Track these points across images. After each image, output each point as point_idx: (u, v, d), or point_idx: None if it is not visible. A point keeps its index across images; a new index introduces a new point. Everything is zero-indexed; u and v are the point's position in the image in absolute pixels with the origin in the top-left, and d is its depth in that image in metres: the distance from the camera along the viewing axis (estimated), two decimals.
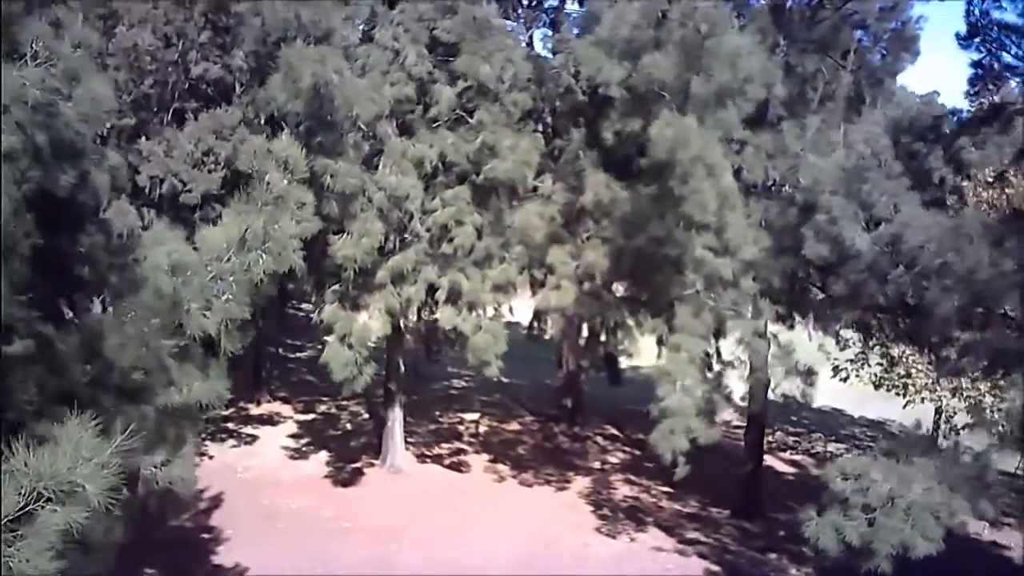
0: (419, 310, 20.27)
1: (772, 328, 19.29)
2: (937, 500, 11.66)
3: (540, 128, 23.50)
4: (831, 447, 28.96)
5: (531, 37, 26.34)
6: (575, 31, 23.46)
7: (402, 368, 23.61)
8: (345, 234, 17.58)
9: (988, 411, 22.11)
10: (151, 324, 7.76)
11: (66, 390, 7.20)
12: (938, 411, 24.87)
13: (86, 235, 8.81)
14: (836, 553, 12.54)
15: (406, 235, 19.42)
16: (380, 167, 17.83)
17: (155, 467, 8.44)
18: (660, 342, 19.35)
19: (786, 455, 27.82)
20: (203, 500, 22.14)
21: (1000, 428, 12.05)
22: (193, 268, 8.43)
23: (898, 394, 24.64)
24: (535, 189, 20.89)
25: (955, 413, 24.14)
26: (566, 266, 18.37)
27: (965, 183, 17.18)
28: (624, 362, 29.02)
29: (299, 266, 17.35)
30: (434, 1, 18.36)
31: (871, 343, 23.89)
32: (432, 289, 19.64)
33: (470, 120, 19.23)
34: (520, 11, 26.69)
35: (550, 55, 24.21)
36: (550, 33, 26.01)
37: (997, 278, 11.24)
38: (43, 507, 4.52)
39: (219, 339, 8.16)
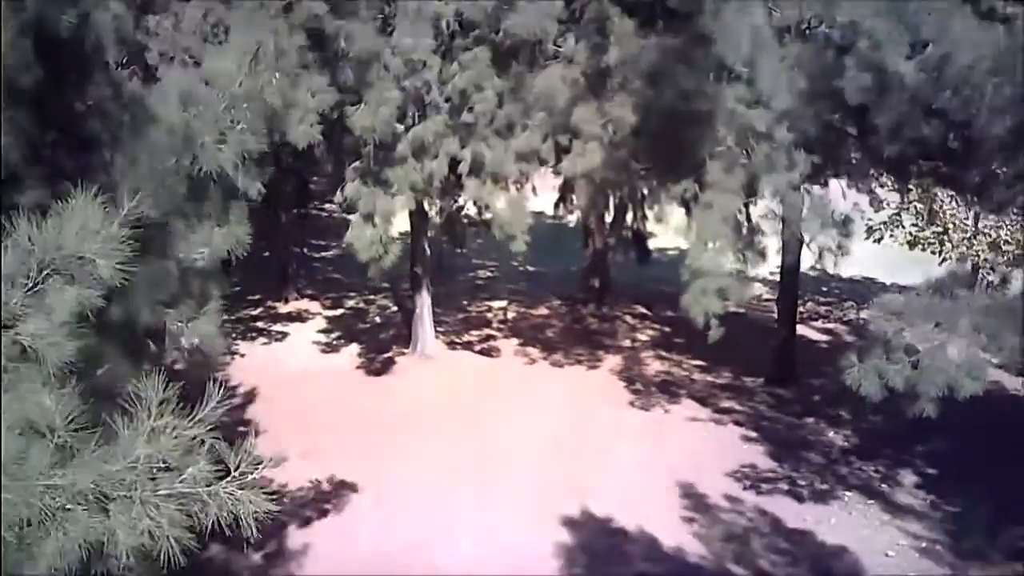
0: (443, 189, 19.71)
1: (806, 187, 18.64)
2: (985, 337, 11.22)
3: None
4: (864, 314, 28.53)
5: None
6: None
7: (428, 252, 23.29)
8: (362, 104, 16.98)
9: None
10: (164, 163, 7.36)
11: None
12: (975, 268, 24.30)
13: (94, 86, 8.33)
14: (878, 398, 12.21)
15: (425, 105, 18.82)
16: (395, 30, 17.05)
17: (181, 322, 8.18)
18: (687, 207, 18.78)
19: (818, 324, 27.49)
20: (237, 395, 22.32)
21: None
22: (204, 99, 7.99)
23: (933, 252, 24.06)
24: (555, 56, 20.04)
25: (993, 268, 23.54)
26: (592, 125, 17.70)
27: None
28: (652, 244, 28.66)
29: (317, 139, 17.18)
30: None
31: (908, 197, 23.22)
32: (454, 163, 19.13)
33: None
34: None
35: None
36: None
37: None
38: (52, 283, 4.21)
39: (236, 177, 7.75)
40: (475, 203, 19.95)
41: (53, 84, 7.73)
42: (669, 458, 17.94)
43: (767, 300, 27.56)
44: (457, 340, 25.88)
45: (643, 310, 28.30)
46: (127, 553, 4.17)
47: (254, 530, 4.77)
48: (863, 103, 14.47)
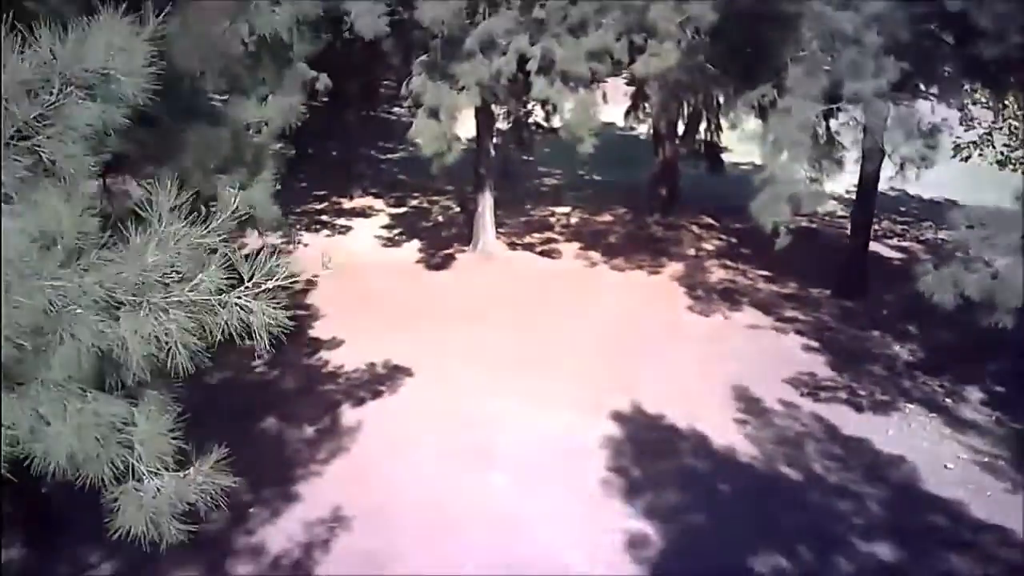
0: (510, 88, 19.27)
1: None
2: None
3: None
4: (943, 234, 27.52)
5: None
6: None
7: (493, 154, 23.00)
8: None
9: None
10: (219, 24, 7.19)
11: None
12: None
13: None
14: (952, 306, 11.80)
15: (496, 1, 18.25)
16: None
17: (232, 188, 8.13)
18: (764, 115, 18.05)
19: (893, 241, 26.62)
20: (299, 281, 22.70)
21: None
22: None
23: None
24: None
25: None
26: (668, 23, 16.98)
27: None
28: (725, 158, 27.87)
29: (384, 32, 16.90)
30: None
31: (1003, 114, 21.98)
32: (524, 61, 18.63)
33: None
34: None
35: None
36: None
37: None
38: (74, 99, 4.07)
39: (291, 41, 7.56)
40: (543, 106, 19.43)
41: None
42: (725, 362, 17.81)
43: (841, 217, 26.73)
44: (518, 241, 25.81)
45: (710, 220, 27.71)
46: (139, 363, 4.15)
47: (266, 342, 4.60)
48: (962, 8, 13.61)
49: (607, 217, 28.34)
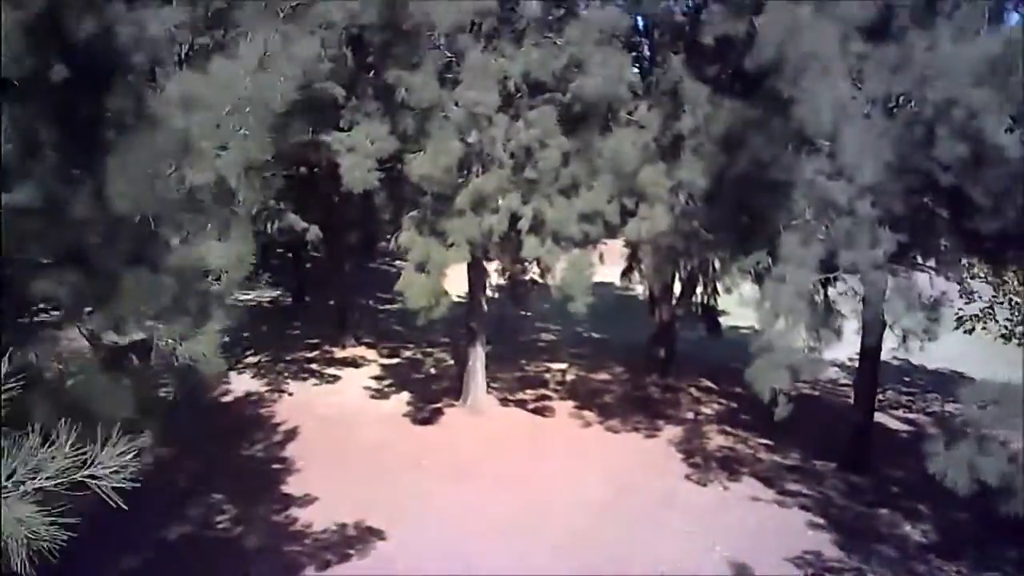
0: (502, 245, 19.09)
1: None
2: None
3: (636, 59, 21.94)
4: (949, 407, 26.58)
5: None
6: None
7: (485, 307, 22.60)
8: (421, 152, 16.54)
9: None
10: (160, 167, 6.76)
11: (73, 247, 6.34)
12: None
13: (112, 96, 7.89)
14: (967, 492, 10.85)
15: (488, 159, 18.28)
16: (460, 83, 16.65)
17: (172, 339, 7.50)
18: (759, 280, 17.69)
19: (899, 413, 25.65)
20: (279, 433, 21.90)
21: None
22: (207, 102, 7.42)
23: None
24: (629, 116, 19.36)
25: None
26: (658, 188, 16.86)
27: None
28: (723, 321, 27.42)
29: (373, 186, 16.83)
30: None
31: (1003, 290, 21.55)
32: (515, 219, 18.49)
33: (557, 41, 17.91)
34: None
35: None
36: None
37: None
38: None
39: (238, 188, 7.12)
40: (538, 263, 19.15)
41: (74, 87, 7.29)
42: (723, 536, 16.70)
43: (844, 384, 25.96)
44: (510, 397, 25.01)
45: (709, 383, 26.94)
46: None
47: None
48: (956, 183, 13.35)
49: (604, 375, 27.63)
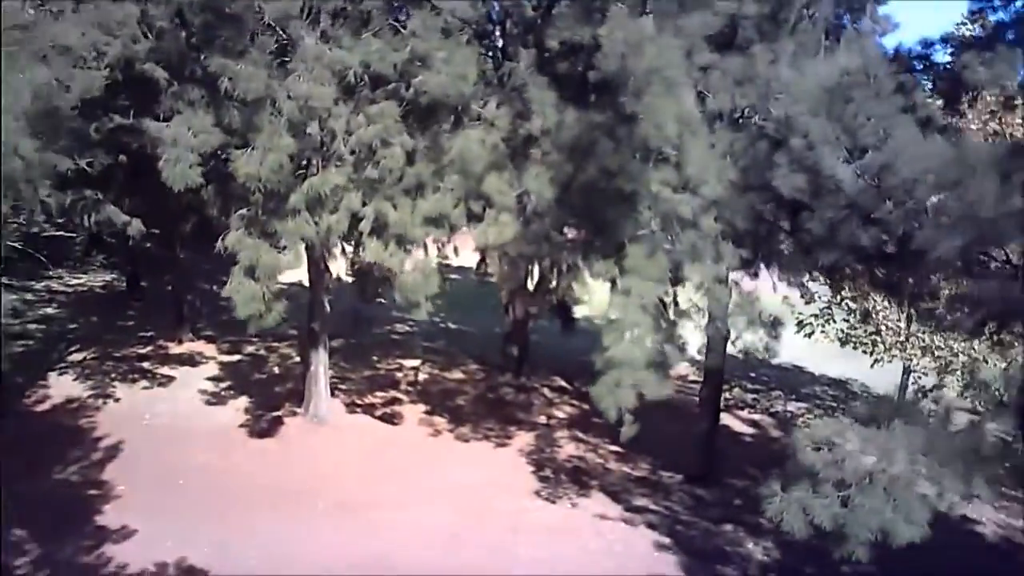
0: (343, 244, 17.97)
1: (734, 276, 17.28)
2: (924, 476, 9.81)
3: (487, 49, 21.09)
4: (792, 407, 27.35)
5: None
6: None
7: (327, 307, 21.37)
8: (249, 149, 15.17)
9: (962, 371, 20.56)
10: None
11: None
12: (907, 371, 23.28)
13: None
14: (804, 535, 10.71)
15: (327, 155, 17.05)
16: (292, 73, 15.33)
17: None
18: (613, 286, 17.31)
19: (744, 413, 26.12)
20: (99, 450, 20.03)
21: (997, 392, 10.14)
22: None
23: (865, 352, 22.94)
24: (479, 116, 18.50)
25: (925, 373, 22.56)
26: (505, 196, 16.14)
27: (967, 110, 15.11)
28: (578, 311, 27.10)
29: (197, 182, 15.36)
30: None
31: (840, 296, 22.13)
32: (356, 219, 17.36)
33: (402, 29, 16.82)
34: None
35: None
36: None
37: (1004, 218, 9.25)
38: None
39: None
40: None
41: None
42: (570, 564, 16.24)
43: (694, 382, 26.17)
44: (359, 401, 23.89)
45: (563, 383, 26.66)
46: None
47: None
48: (797, 201, 13.22)
49: (458, 374, 26.89)
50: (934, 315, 14.67)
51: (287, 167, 15.49)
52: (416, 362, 27.51)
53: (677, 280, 15.98)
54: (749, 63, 15.91)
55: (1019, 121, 14.76)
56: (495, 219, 16.51)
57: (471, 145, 17.50)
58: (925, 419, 10.14)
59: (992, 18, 14.76)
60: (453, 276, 27.65)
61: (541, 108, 15.98)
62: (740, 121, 16.76)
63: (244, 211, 16.56)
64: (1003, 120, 14.73)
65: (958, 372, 19.93)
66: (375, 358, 27.62)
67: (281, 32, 15.50)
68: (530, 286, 24.58)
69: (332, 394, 23.42)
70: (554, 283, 23.19)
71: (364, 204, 17.04)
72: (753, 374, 29.95)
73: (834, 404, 28.86)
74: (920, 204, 9.72)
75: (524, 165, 17.66)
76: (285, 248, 16.40)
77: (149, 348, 26.60)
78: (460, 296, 21.59)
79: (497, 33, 21.50)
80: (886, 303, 20.72)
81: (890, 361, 22.60)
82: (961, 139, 9.83)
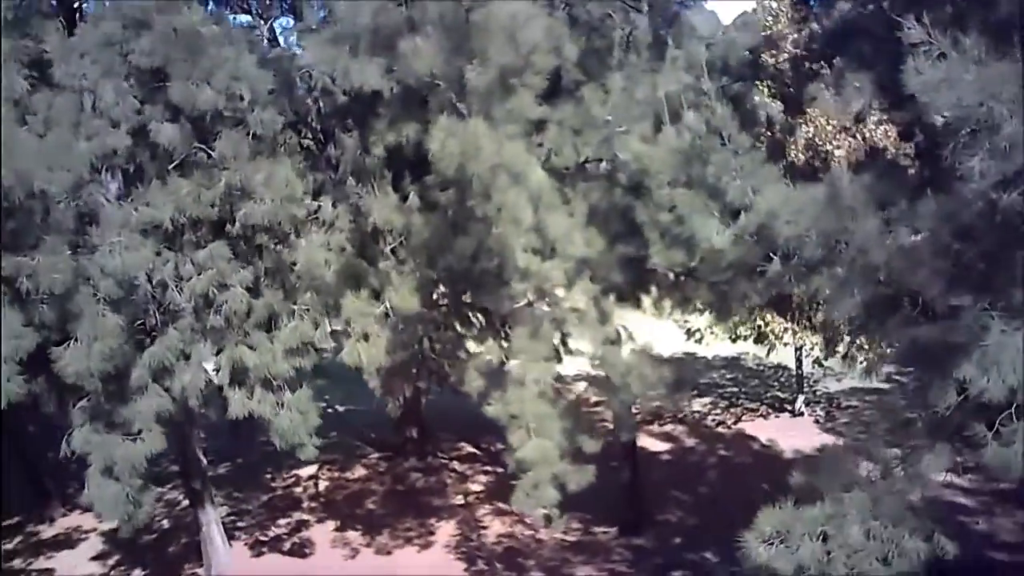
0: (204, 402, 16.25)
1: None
2: (882, 541, 9.35)
3: (305, 138, 19.71)
4: (697, 404, 27.31)
5: (272, 30, 22.09)
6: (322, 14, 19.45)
7: (203, 460, 19.48)
8: (71, 342, 13.32)
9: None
10: None
11: None
12: (798, 351, 23.55)
13: None
14: None
15: (163, 314, 15.32)
16: (99, 247, 13.55)
17: None
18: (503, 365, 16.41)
19: (655, 428, 25.79)
20: None
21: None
22: None
23: (756, 342, 22.99)
24: (316, 216, 17.16)
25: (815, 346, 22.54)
26: (366, 317, 14.93)
27: (811, 133, 14.93)
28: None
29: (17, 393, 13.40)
30: (122, 17, 14.10)
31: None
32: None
33: (211, 155, 15.27)
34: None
35: (298, 49, 20.17)
36: (292, 23, 21.90)
37: (897, 256, 8.83)
38: None
39: None
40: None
41: None
42: None
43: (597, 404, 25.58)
44: (262, 538, 22.06)
45: (471, 448, 25.61)
46: None
47: None
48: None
49: (360, 470, 25.38)
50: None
51: (117, 349, 13.68)
52: (313, 468, 25.79)
53: (566, 349, 15.21)
54: (582, 108, 15.30)
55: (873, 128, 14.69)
56: (359, 339, 15.24)
57: (315, 254, 16.18)
58: (866, 479, 9.68)
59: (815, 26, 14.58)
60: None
61: (380, 211, 14.83)
62: (588, 168, 16.11)
63: (84, 402, 14.63)
64: (857, 130, 14.69)
65: (844, 346, 20.09)
66: (269, 475, 25.72)
67: (80, 204, 13.69)
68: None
69: (232, 538, 21.57)
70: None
71: (217, 353, 15.42)
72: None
73: (735, 389, 29.11)
74: (810, 261, 9.21)
75: (378, 264, 16.51)
76: (140, 432, 14.55)
77: (17, 540, 23.76)
78: (340, 368, 19.98)
79: (313, 117, 20.09)
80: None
81: (784, 347, 22.72)
82: (830, 178, 9.28)
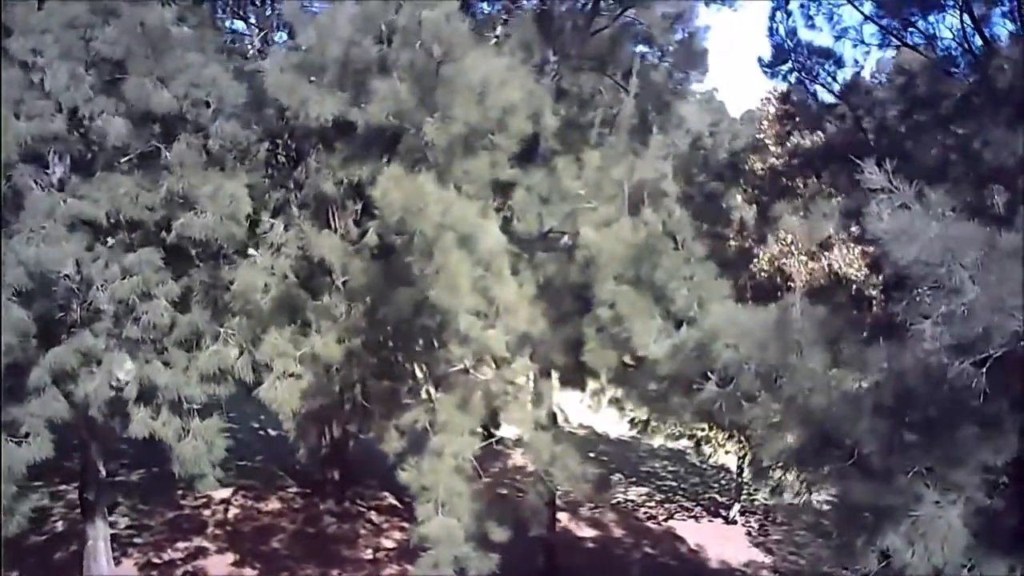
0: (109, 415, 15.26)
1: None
2: None
3: (277, 155, 19.00)
4: (632, 492, 26.45)
5: (266, 41, 21.49)
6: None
7: (102, 471, 18.35)
8: None
9: None
10: None
11: None
12: (741, 459, 22.86)
13: None
14: None
15: (85, 308, 14.43)
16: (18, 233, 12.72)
17: None
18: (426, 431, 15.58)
19: (585, 511, 24.86)
20: None
21: None
22: None
23: (695, 447, 22.28)
24: (264, 236, 16.43)
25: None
26: (285, 359, 14.10)
27: (783, 259, 14.42)
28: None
29: None
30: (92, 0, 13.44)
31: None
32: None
33: (166, 157, 14.53)
34: (250, 9, 21.88)
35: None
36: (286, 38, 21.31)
37: (839, 403, 8.17)
38: None
39: None
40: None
41: None
42: None
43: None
44: (156, 559, 20.83)
45: (393, 500, 24.54)
46: None
47: None
48: None
49: (275, 504, 24.22)
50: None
51: (17, 344, 12.74)
52: (227, 492, 24.61)
53: (496, 425, 14.42)
54: (554, 178, 14.74)
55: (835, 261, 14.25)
56: (274, 383, 14.39)
57: (254, 279, 15.38)
58: None
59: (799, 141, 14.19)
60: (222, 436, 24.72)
61: (320, 249, 14.11)
62: (550, 237, 15.50)
63: None
64: (820, 262, 14.18)
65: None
66: (180, 492, 24.50)
67: (9, 185, 12.87)
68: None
69: (124, 555, 20.41)
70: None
71: (128, 366, 14.49)
72: (592, 453, 28.94)
73: (674, 483, 28.29)
74: (747, 392, 8.53)
75: (322, 298, 15.71)
76: (28, 436, 13.55)
77: None
78: None
79: (285, 137, 19.43)
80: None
81: (726, 454, 22.03)
82: (782, 305, 8.66)
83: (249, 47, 19.69)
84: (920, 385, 7.50)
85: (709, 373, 9.21)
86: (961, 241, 6.16)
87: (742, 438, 18.30)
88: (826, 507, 16.02)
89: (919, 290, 6.54)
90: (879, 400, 8.09)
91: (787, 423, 8.34)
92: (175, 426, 14.80)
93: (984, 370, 6.86)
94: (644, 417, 22.51)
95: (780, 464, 9.37)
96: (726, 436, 19.92)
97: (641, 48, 15.41)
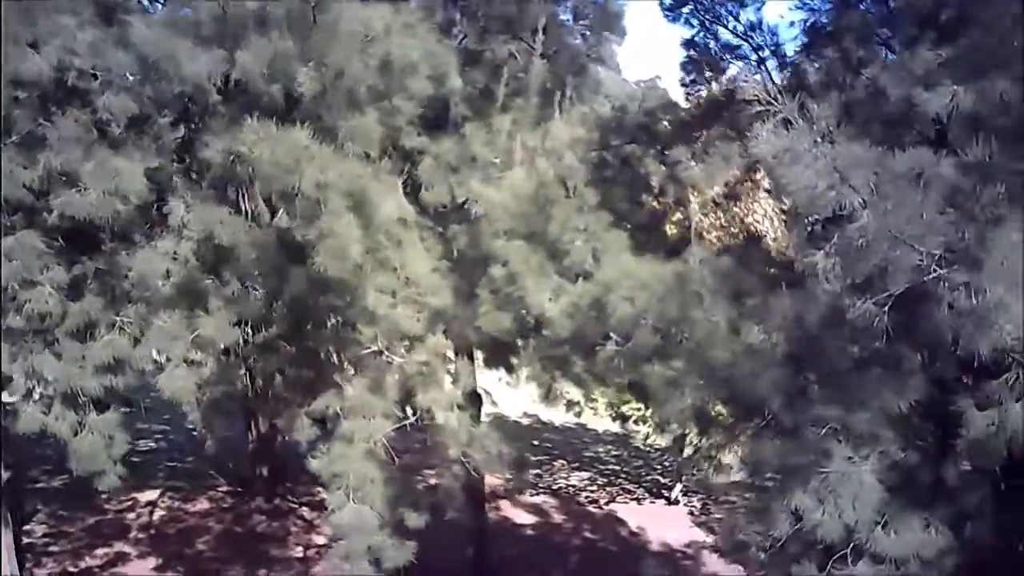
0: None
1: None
2: None
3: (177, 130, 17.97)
4: (575, 477, 25.90)
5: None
6: None
7: (3, 476, 17.24)
8: None
9: None
10: None
11: None
12: (680, 437, 22.36)
13: None
14: None
15: None
16: None
17: None
18: (323, 423, 14.82)
19: (526, 498, 24.23)
20: None
21: None
22: None
23: (617, 420, 21.83)
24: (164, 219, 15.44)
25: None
26: (178, 343, 13.19)
27: (681, 211, 13.89)
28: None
29: None
30: None
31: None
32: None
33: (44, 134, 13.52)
34: None
35: None
36: None
37: (743, 356, 7.59)
38: None
39: None
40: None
41: None
42: None
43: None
44: (72, 568, 19.78)
45: (326, 495, 23.63)
46: None
47: None
48: None
49: (203, 504, 23.27)
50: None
51: None
52: (155, 494, 23.61)
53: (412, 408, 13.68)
54: (464, 145, 14.04)
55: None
56: (178, 365, 13.50)
57: (153, 263, 14.40)
58: None
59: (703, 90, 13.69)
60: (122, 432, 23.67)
61: (208, 224, 13.22)
62: (462, 210, 14.79)
63: None
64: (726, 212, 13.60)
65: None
66: (106, 494, 23.39)
67: None
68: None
69: (38, 564, 19.35)
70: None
71: (13, 361, 13.48)
72: (536, 441, 28.43)
73: (617, 467, 27.79)
74: (644, 348, 7.90)
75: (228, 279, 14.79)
76: None
77: None
78: None
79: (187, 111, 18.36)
80: None
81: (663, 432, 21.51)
82: (683, 259, 8.06)
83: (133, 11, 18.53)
84: (822, 330, 6.94)
85: (610, 333, 8.58)
86: (850, 160, 5.58)
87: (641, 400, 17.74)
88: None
89: (809, 219, 5.95)
90: (784, 351, 7.50)
91: (688, 380, 7.73)
92: (70, 421, 13.81)
93: (886, 309, 6.31)
94: (577, 398, 21.91)
95: (681, 424, 8.78)
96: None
97: (552, 7, 14.72)
